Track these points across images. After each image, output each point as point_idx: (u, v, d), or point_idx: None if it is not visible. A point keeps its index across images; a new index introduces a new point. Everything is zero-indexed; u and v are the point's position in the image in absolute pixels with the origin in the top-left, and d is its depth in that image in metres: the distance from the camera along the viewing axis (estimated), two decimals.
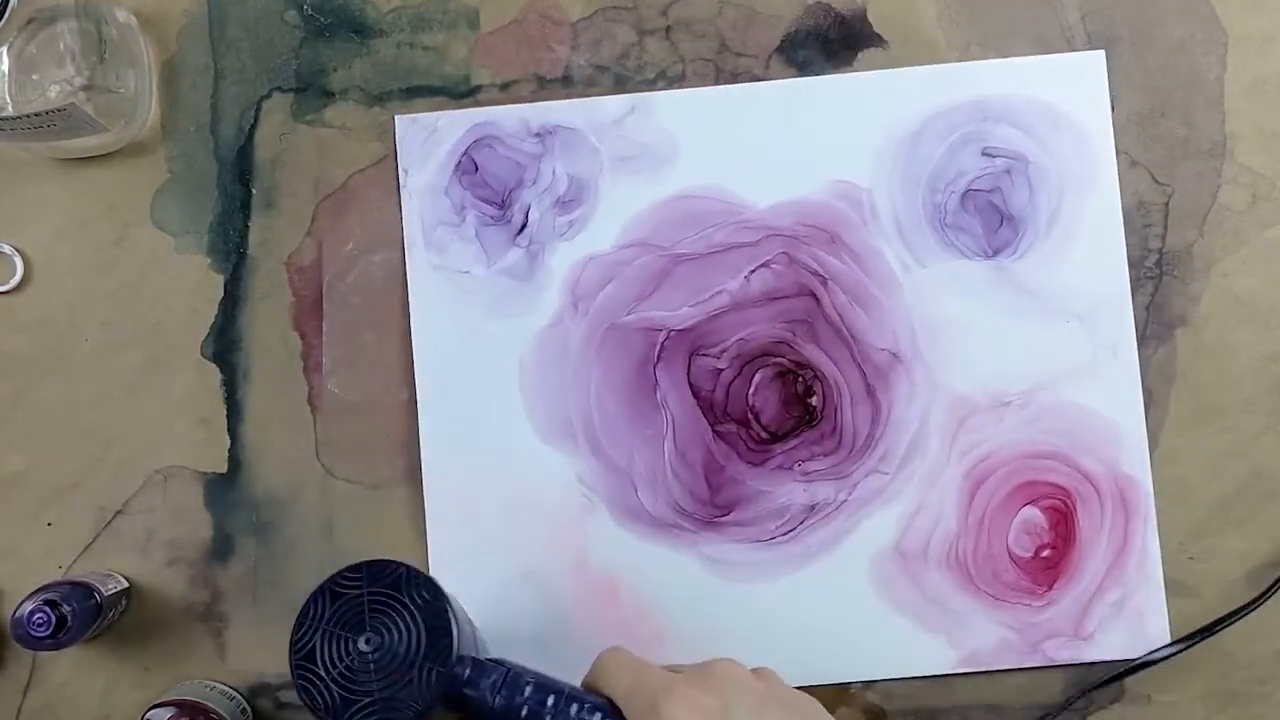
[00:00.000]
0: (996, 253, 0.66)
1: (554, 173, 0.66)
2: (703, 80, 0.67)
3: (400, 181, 0.66)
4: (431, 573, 0.65)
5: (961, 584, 0.66)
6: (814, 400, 0.66)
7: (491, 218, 0.66)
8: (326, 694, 0.52)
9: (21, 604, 0.59)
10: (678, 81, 0.67)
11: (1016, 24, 0.67)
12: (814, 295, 0.66)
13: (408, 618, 0.52)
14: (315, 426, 0.66)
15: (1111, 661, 0.65)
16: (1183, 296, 0.67)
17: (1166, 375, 0.66)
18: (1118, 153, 0.67)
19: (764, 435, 0.66)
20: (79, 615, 0.59)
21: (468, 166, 0.66)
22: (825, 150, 0.66)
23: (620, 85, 0.67)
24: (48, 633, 0.58)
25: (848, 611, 0.65)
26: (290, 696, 0.66)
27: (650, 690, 0.51)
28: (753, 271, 0.66)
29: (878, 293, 0.66)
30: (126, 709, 0.65)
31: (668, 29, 0.67)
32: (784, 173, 0.66)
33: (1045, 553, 0.66)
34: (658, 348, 0.66)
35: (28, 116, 0.59)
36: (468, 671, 0.53)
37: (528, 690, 0.52)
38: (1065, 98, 0.66)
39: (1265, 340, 0.66)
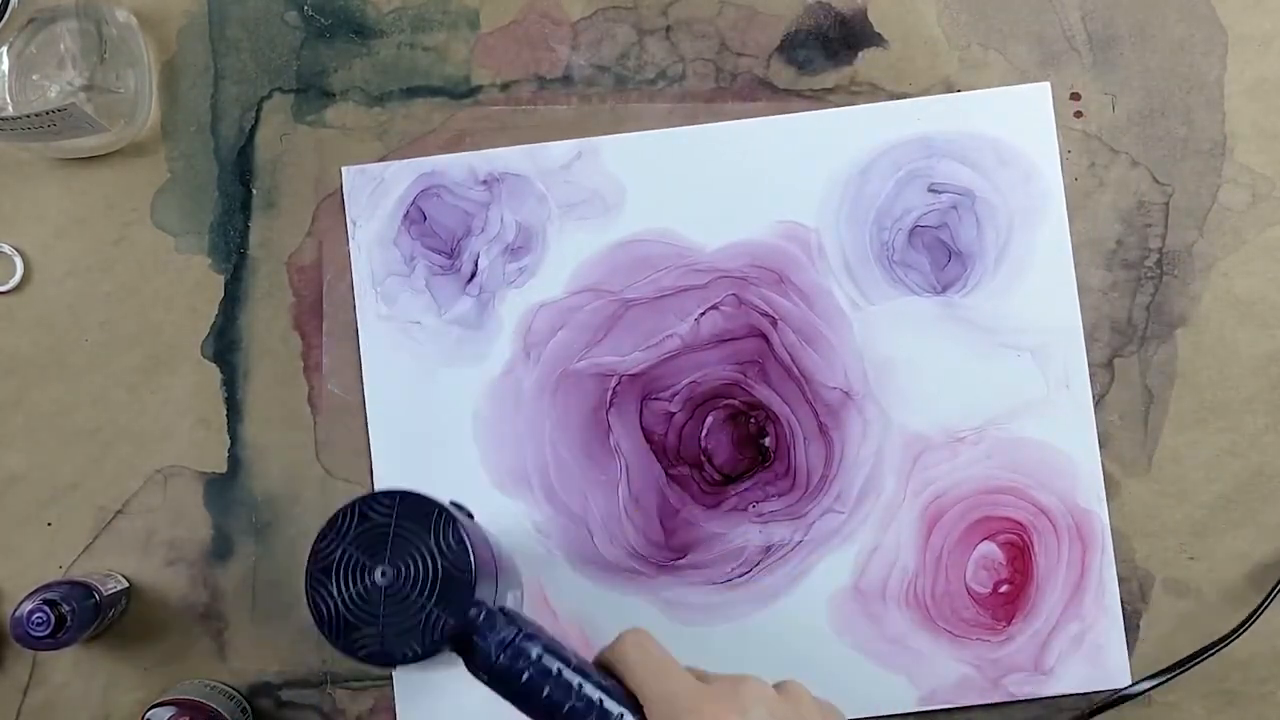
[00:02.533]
0: (945, 289, 0.66)
1: (502, 220, 0.66)
2: (703, 80, 0.67)
3: (349, 233, 0.66)
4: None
5: (920, 622, 0.66)
6: (767, 441, 0.66)
7: (441, 267, 0.66)
8: (334, 613, 0.50)
9: (21, 604, 0.59)
10: (678, 81, 0.67)
11: (1017, 24, 0.67)
12: (764, 336, 0.66)
13: (429, 559, 0.51)
14: (315, 426, 0.66)
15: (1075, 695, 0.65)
16: (1183, 296, 0.67)
17: (1166, 375, 0.66)
18: (1118, 153, 0.67)
19: (717, 477, 0.66)
20: (78, 615, 0.59)
21: (416, 216, 0.66)
22: (772, 191, 0.66)
23: (620, 85, 0.67)
24: (47, 632, 0.59)
25: (807, 652, 0.65)
26: (291, 695, 0.66)
27: (675, 700, 0.48)
28: (702, 314, 0.66)
29: (827, 331, 0.66)
30: (126, 709, 0.65)
31: (668, 29, 0.67)
32: (731, 214, 0.66)
33: (1003, 588, 0.66)
34: (610, 393, 0.66)
35: (28, 116, 0.59)
36: (480, 619, 0.51)
37: (535, 655, 0.50)
38: (1011, 131, 0.66)
39: (1265, 340, 0.66)
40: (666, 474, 0.66)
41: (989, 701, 0.65)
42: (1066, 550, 0.66)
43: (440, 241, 0.67)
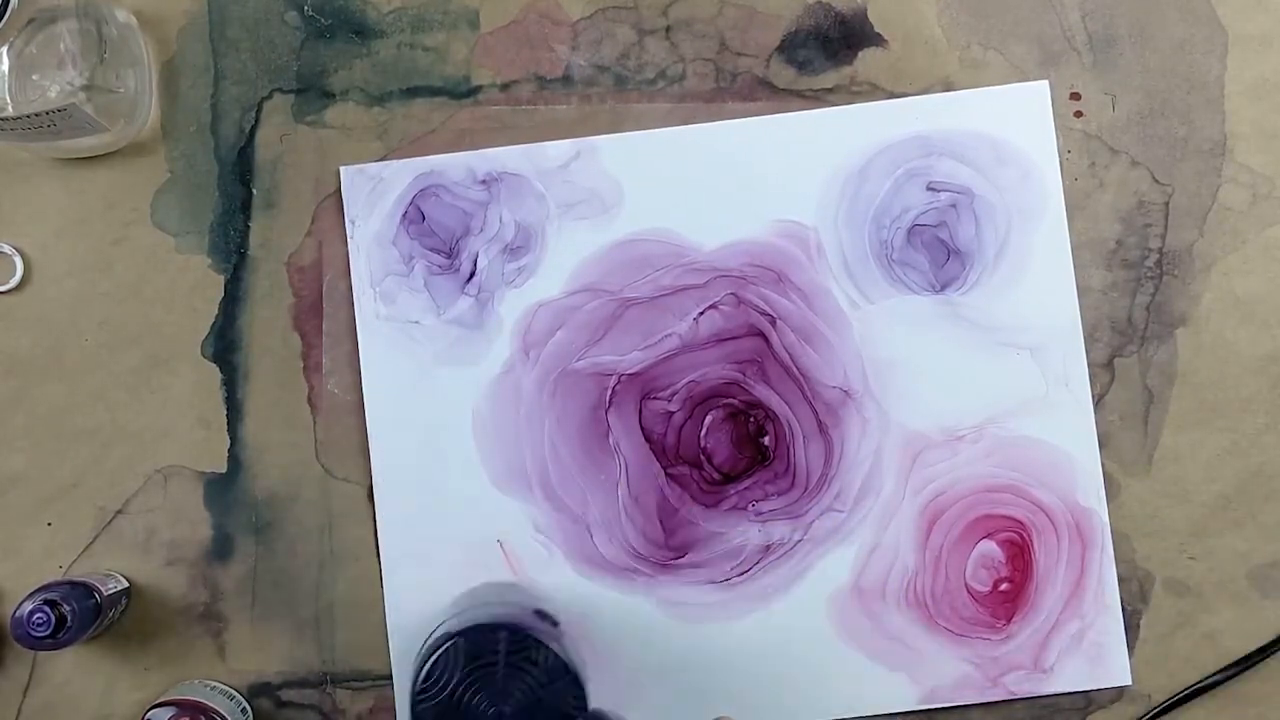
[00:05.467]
0: (944, 287, 0.66)
1: (501, 220, 0.66)
2: (703, 80, 0.67)
3: (347, 232, 0.66)
4: (388, 625, 0.65)
5: (920, 620, 0.66)
6: (766, 440, 0.66)
7: (440, 267, 0.66)
8: None
9: (21, 604, 0.59)
10: (678, 81, 0.67)
11: (1017, 24, 0.67)
12: (763, 335, 0.66)
13: (535, 688, 0.51)
14: (315, 426, 0.66)
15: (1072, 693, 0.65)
16: (1183, 296, 0.67)
17: (1166, 375, 0.66)
18: (1117, 152, 0.67)
19: (717, 476, 0.66)
20: (79, 615, 0.59)
21: (414, 216, 0.66)
22: (770, 190, 0.66)
23: (620, 85, 0.67)
24: (48, 632, 0.59)
25: (806, 651, 0.65)
26: (291, 695, 0.66)
27: None
28: (701, 313, 0.66)
29: (826, 330, 0.66)
30: (126, 709, 0.65)
31: (668, 29, 0.67)
32: (730, 214, 0.66)
33: (1003, 586, 0.66)
34: (609, 392, 0.66)
35: (28, 116, 0.59)
36: None
37: None
38: (1010, 130, 0.66)
39: (1265, 340, 0.66)
40: (666, 473, 0.66)
41: (989, 700, 0.65)
42: (1066, 548, 0.66)
43: (439, 241, 0.67)
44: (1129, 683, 0.65)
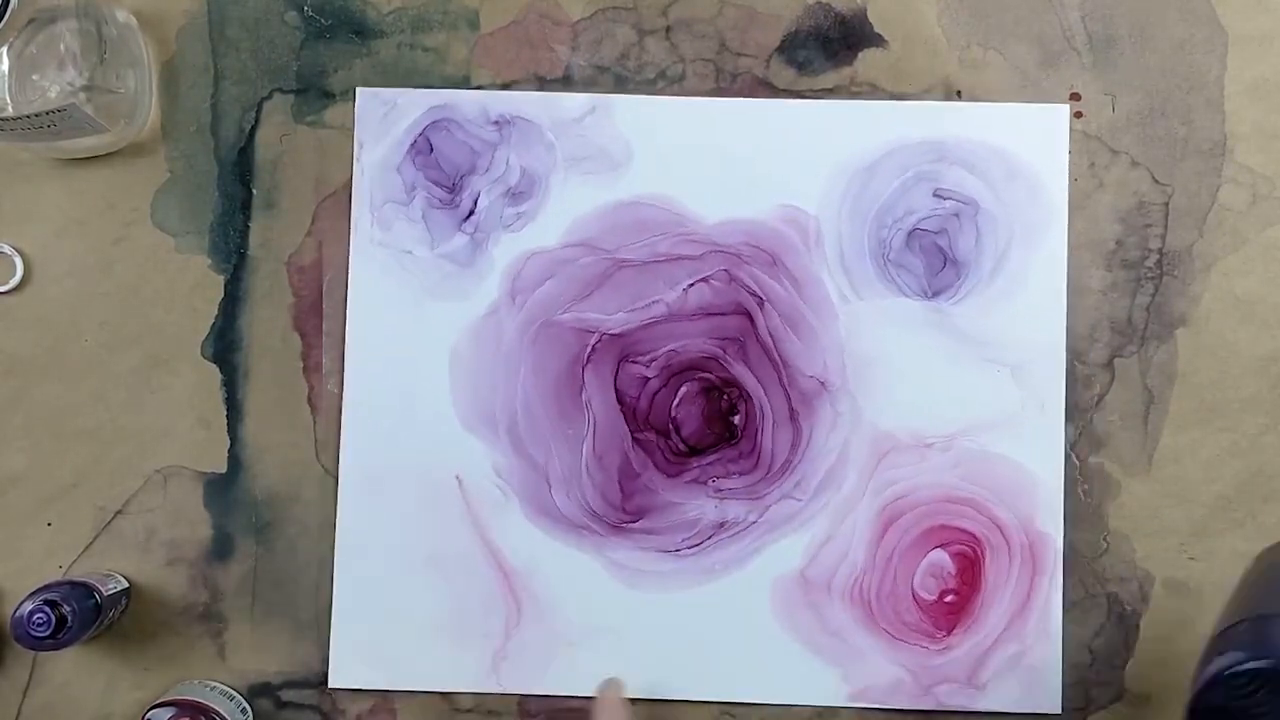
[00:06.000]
0: (936, 294, 0.66)
1: (507, 163, 0.67)
2: (703, 80, 0.67)
3: (354, 154, 0.67)
4: (337, 547, 0.65)
5: (862, 619, 0.66)
6: (736, 419, 0.66)
7: (440, 200, 0.67)
8: None
9: (21, 604, 0.59)
10: (678, 81, 0.67)
11: (1017, 24, 0.67)
12: (749, 315, 0.66)
13: None
14: (315, 426, 0.66)
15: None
16: (1183, 296, 0.67)
17: (1166, 375, 0.66)
18: (1117, 153, 0.67)
19: (682, 448, 0.66)
20: (79, 615, 0.59)
21: (423, 146, 0.67)
22: (778, 173, 0.66)
23: (620, 85, 0.67)
24: (48, 633, 0.59)
25: (745, 632, 0.66)
26: (291, 695, 0.66)
27: None
28: (691, 285, 0.67)
29: (813, 320, 0.66)
30: (126, 709, 0.65)
31: (668, 29, 0.67)
32: (735, 191, 0.66)
33: (949, 597, 0.66)
34: (589, 349, 0.66)
35: (28, 116, 0.59)
36: None
37: None
38: (1024, 147, 0.66)
39: (1265, 340, 0.66)
40: (633, 437, 0.66)
41: (919, 708, 0.65)
42: (1017, 569, 0.66)
43: (443, 175, 0.67)
44: (1059, 711, 0.65)
